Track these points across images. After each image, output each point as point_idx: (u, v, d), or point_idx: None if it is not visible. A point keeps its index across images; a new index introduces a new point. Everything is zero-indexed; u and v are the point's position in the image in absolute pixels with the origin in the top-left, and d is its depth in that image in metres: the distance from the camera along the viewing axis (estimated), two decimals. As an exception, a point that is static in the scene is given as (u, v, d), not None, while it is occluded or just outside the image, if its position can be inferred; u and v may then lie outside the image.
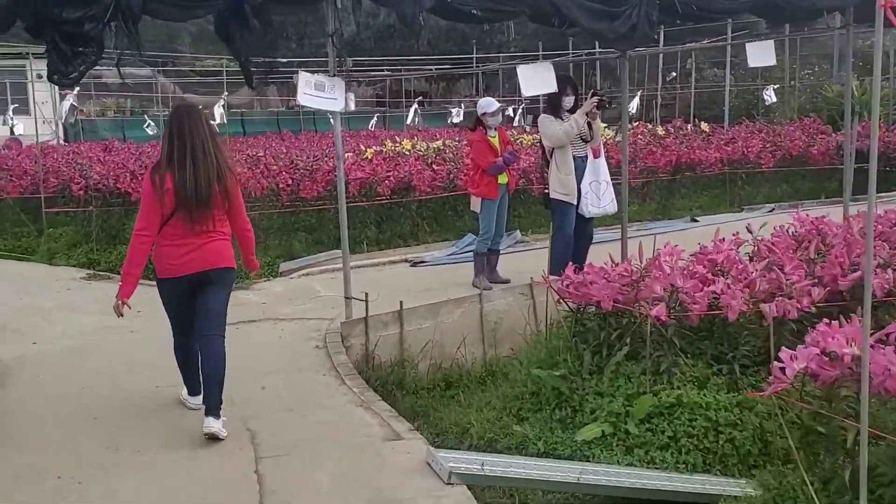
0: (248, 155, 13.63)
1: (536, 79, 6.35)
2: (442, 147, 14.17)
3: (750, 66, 7.65)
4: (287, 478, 3.96)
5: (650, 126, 17.93)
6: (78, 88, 15.83)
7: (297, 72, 6.11)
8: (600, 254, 7.11)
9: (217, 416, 4.35)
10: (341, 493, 3.81)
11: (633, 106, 17.55)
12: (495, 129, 7.44)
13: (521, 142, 13.96)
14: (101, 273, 8.83)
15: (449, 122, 23.77)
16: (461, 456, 4.07)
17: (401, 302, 6.03)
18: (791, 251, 5.39)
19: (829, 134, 14.38)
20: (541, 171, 11.02)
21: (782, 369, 3.50)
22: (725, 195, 12.69)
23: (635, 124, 17.31)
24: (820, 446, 3.62)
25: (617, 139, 11.88)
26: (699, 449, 4.25)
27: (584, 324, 5.19)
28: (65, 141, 21.19)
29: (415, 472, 3.96)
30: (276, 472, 4.00)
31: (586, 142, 7.15)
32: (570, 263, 5.44)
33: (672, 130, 16.11)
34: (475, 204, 7.52)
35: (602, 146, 7.36)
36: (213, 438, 4.32)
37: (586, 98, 7.10)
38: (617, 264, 5.27)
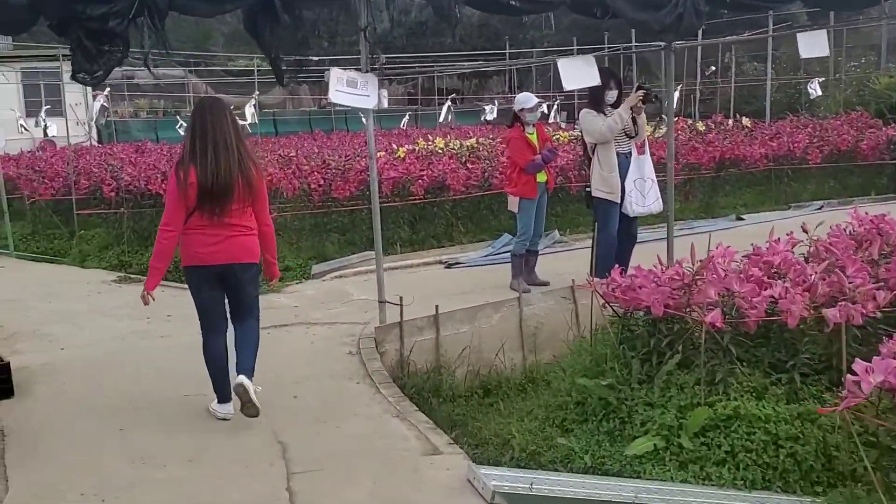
0: (280, 155, 13.52)
1: (578, 72, 6.09)
2: (476, 145, 13.94)
3: (802, 58, 7.29)
4: (320, 495, 3.76)
5: (690, 121, 17.53)
6: (109, 89, 15.89)
7: (328, 70, 5.91)
8: (644, 254, 6.86)
9: (250, 376, 4.49)
10: (377, 514, 3.59)
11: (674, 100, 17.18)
12: (533, 125, 7.19)
13: (558, 138, 13.69)
14: (132, 276, 8.75)
15: (482, 119, 23.55)
16: (505, 473, 3.82)
17: (437, 306, 5.80)
18: (850, 251, 5.07)
19: (879, 128, 13.91)
20: (579, 167, 10.81)
21: (857, 383, 3.21)
22: (771, 192, 12.32)
23: (674, 119, 16.92)
24: (900, 467, 3.33)
25: (657, 135, 11.57)
26: (758, 464, 3.96)
27: (632, 330, 4.92)
28: (98, 142, 21.29)
29: (455, 490, 3.74)
30: (308, 490, 3.81)
31: (631, 137, 6.86)
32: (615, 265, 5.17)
33: (713, 126, 15.73)
34: (513, 203, 7.28)
35: (647, 142, 7.06)
36: (243, 391, 4.39)
37: (630, 92, 6.81)
38: (666, 267, 4.98)
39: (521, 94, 7.49)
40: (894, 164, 12.83)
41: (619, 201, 6.78)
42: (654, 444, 4.18)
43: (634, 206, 6.80)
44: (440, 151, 13.01)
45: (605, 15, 5.95)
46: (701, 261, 4.81)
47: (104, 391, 5.26)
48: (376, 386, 5.15)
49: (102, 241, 10.11)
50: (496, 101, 24.31)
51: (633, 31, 20.88)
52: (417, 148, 13.61)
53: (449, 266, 8.88)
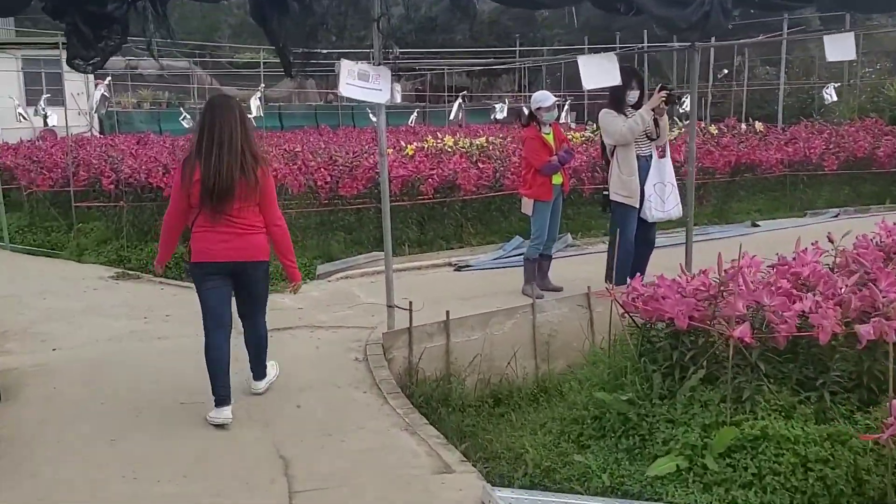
0: (286, 150, 13.26)
1: (598, 70, 5.84)
2: (486, 144, 13.69)
3: (829, 61, 7.05)
4: (323, 517, 3.51)
5: (703, 124, 17.29)
6: (110, 78, 15.63)
7: (337, 62, 5.67)
8: (658, 260, 6.62)
9: (262, 377, 4.97)
10: (385, 539, 3.35)
11: (686, 104, 16.92)
12: (550, 125, 6.93)
13: (572, 139, 13.44)
14: (129, 272, 8.47)
15: (492, 118, 23.27)
16: (522, 497, 3.57)
17: (447, 312, 5.57)
18: (880, 263, 4.82)
19: (895, 135, 13.69)
20: (592, 169, 10.56)
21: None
22: (785, 199, 12.09)
23: (686, 122, 16.69)
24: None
25: (671, 138, 11.32)
26: (786, 488, 3.73)
27: (653, 342, 4.67)
28: (100, 133, 21.05)
29: (469, 513, 3.49)
30: (311, 510, 3.55)
31: (651, 140, 6.61)
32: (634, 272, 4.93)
33: (726, 130, 15.48)
34: (527, 206, 7.04)
35: (668, 145, 6.80)
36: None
37: (653, 92, 6.56)
38: (693, 276, 4.73)
39: (537, 93, 7.22)
40: None
41: (637, 206, 6.54)
42: (677, 465, 3.95)
43: (654, 211, 6.55)
44: (449, 150, 12.76)
45: (629, 11, 5.70)
46: (726, 270, 4.58)
47: (98, 396, 4.99)
48: (384, 396, 4.91)
49: (101, 234, 9.87)
50: (506, 100, 24.02)
51: (646, 32, 20.66)
52: (426, 146, 13.36)
53: (458, 268, 8.64)
